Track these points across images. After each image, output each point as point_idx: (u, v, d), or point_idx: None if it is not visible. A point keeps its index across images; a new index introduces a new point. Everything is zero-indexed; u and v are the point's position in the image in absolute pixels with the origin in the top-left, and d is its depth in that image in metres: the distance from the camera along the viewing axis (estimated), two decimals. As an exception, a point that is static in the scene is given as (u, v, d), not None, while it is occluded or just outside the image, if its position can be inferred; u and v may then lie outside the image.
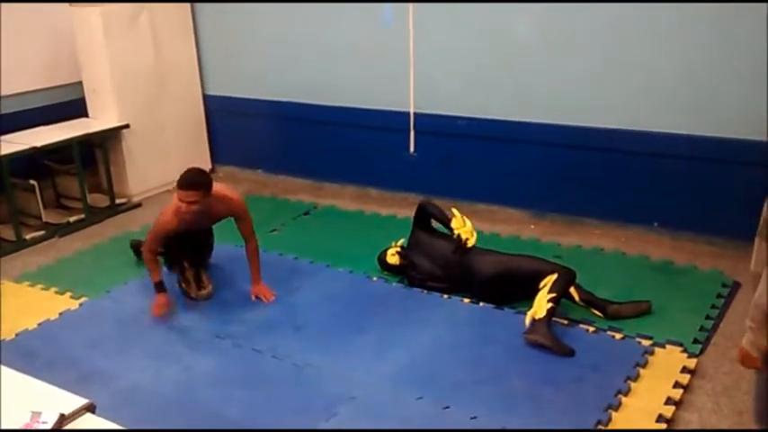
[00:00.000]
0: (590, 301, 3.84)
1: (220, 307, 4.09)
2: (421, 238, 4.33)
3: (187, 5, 6.19)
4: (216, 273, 4.57)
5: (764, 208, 2.08)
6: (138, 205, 5.89)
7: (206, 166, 6.60)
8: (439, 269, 4.18)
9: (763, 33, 4.09)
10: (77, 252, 4.98)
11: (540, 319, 3.56)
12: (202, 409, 3.17)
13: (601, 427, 2.95)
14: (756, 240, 2.11)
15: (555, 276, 3.71)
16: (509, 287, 3.96)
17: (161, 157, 6.09)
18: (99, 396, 2.38)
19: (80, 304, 4.19)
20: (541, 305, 3.61)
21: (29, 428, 1.67)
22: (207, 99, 6.51)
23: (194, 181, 3.88)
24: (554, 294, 3.64)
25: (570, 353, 3.47)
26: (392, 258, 4.35)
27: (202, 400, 3.24)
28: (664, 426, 2.95)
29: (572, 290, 3.84)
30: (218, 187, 4.06)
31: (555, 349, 3.47)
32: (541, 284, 3.70)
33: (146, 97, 5.91)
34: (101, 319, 4.01)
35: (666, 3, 4.33)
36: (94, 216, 5.55)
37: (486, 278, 3.99)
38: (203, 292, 4.17)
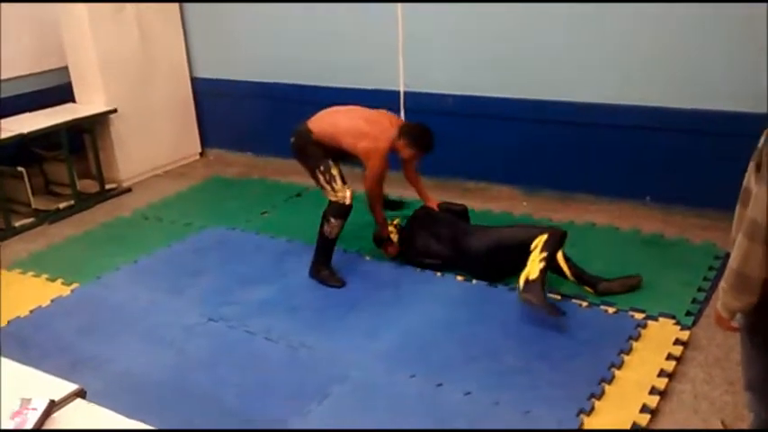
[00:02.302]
0: (581, 277, 3.84)
1: (213, 289, 4.09)
2: (420, 213, 4.32)
3: (172, -13, 6.13)
4: (207, 255, 4.56)
5: (746, 176, 2.10)
6: (129, 190, 5.86)
7: (196, 149, 6.58)
8: (435, 244, 4.17)
9: (742, 6, 4.07)
10: (68, 238, 4.96)
11: (533, 280, 3.55)
12: (196, 392, 3.18)
13: (594, 400, 2.96)
14: (737, 207, 2.13)
15: (545, 236, 3.70)
16: (505, 259, 3.95)
17: (150, 141, 6.05)
18: (92, 382, 2.38)
19: (72, 291, 4.18)
20: (534, 266, 3.61)
21: (20, 430, 1.66)
22: (195, 82, 6.46)
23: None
24: (545, 254, 3.63)
25: (560, 313, 3.49)
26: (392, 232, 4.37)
27: (196, 383, 3.24)
28: (657, 398, 2.97)
29: (564, 265, 3.84)
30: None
31: (546, 310, 3.48)
32: (532, 246, 3.70)
33: (133, 81, 5.86)
34: (93, 306, 4.00)
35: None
36: (84, 202, 5.52)
37: (479, 254, 3.99)
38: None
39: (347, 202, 4.04)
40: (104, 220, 5.26)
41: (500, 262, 3.98)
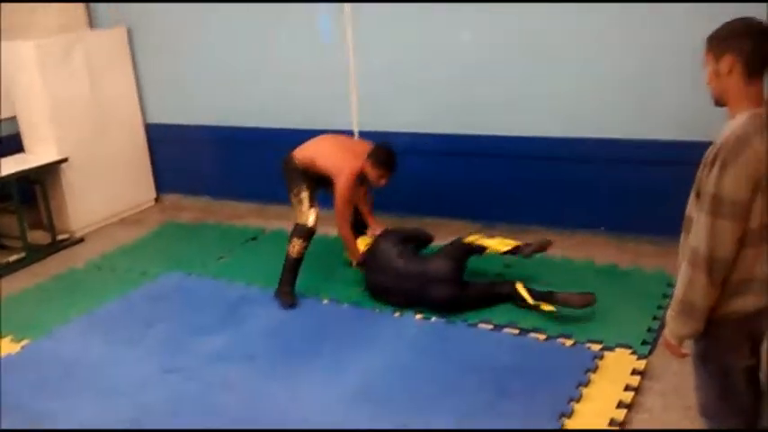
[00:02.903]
0: (541, 296, 3.90)
1: (170, 339, 4.01)
2: (377, 248, 4.34)
3: (123, 34, 6.10)
4: (163, 303, 4.48)
5: (688, 204, 2.15)
6: (81, 240, 5.75)
7: (151, 195, 6.51)
8: (391, 282, 4.16)
9: (693, 37, 4.18)
10: (18, 293, 4.83)
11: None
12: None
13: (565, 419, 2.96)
14: (682, 235, 2.18)
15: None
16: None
17: (103, 189, 5.97)
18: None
19: (22, 347, 4.06)
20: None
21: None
22: (149, 128, 6.42)
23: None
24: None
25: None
26: (361, 245, 4.47)
27: (153, 438, 3.16)
28: (616, 429, 2.97)
29: (524, 293, 3.90)
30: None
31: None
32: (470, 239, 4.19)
33: (85, 129, 5.80)
34: (44, 362, 3.88)
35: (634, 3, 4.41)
36: (36, 254, 5.40)
37: (445, 273, 4.02)
38: None
39: (309, 224, 4.30)
40: (56, 272, 5.15)
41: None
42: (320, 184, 4.41)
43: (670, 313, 2.15)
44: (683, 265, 2.08)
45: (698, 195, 2.07)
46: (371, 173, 4.29)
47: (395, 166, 4.33)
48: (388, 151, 4.32)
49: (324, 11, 5.34)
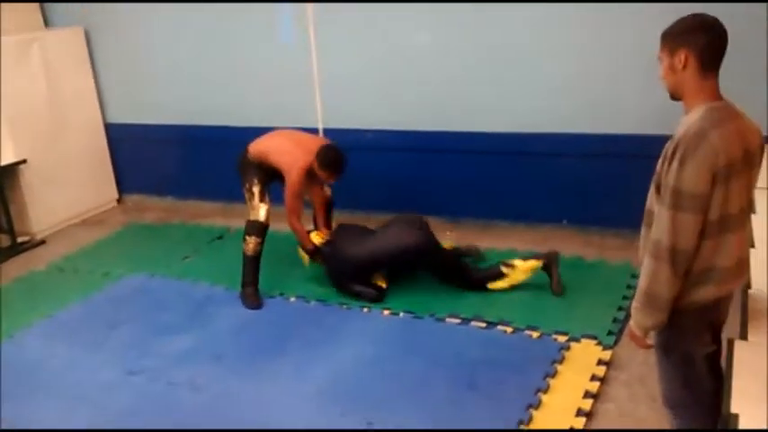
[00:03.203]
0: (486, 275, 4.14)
1: (134, 341, 3.95)
2: (341, 231, 4.47)
3: (81, 34, 6.00)
4: (127, 305, 4.42)
5: (648, 197, 2.18)
6: (43, 242, 5.64)
7: (113, 195, 6.42)
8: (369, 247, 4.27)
9: (651, 36, 4.23)
10: (-22, 297, 4.73)
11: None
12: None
13: (522, 426, 2.98)
14: (642, 228, 2.20)
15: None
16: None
17: (64, 190, 5.87)
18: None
19: (-18, 352, 3.97)
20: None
21: None
22: (109, 128, 6.32)
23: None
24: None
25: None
26: (315, 238, 4.44)
27: (117, 441, 3.11)
28: (584, 420, 3.00)
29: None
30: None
31: None
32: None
33: (43, 130, 5.69)
34: (5, 367, 3.79)
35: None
36: (-5, 257, 5.29)
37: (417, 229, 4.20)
38: None
39: (260, 219, 4.29)
40: (17, 274, 5.04)
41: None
42: (274, 177, 4.37)
43: (634, 305, 2.18)
44: (646, 258, 2.10)
45: (658, 189, 2.09)
46: (320, 173, 4.25)
47: (341, 168, 4.25)
48: (335, 153, 4.25)
49: (285, 11, 5.30)
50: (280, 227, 4.46)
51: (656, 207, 2.08)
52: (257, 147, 4.41)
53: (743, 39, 4.35)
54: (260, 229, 4.28)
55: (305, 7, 5.17)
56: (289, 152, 4.30)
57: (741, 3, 4.23)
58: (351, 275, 4.23)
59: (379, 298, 4.15)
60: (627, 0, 4.30)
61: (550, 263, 4.13)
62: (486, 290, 4.13)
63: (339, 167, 4.24)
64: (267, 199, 4.35)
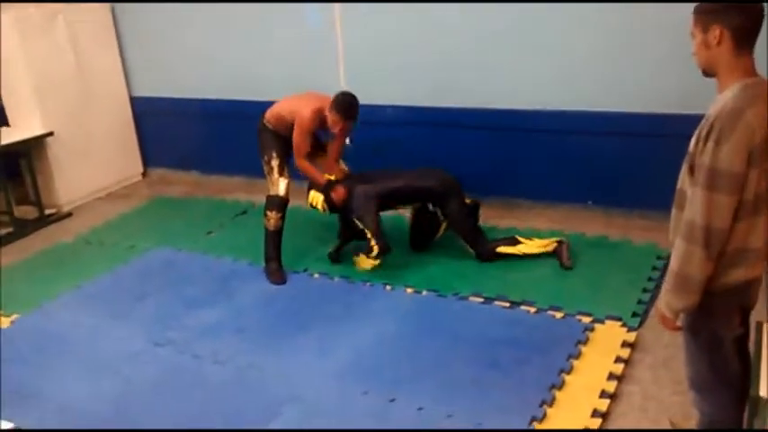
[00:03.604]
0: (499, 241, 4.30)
1: (159, 313, 3.99)
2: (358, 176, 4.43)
3: (107, 7, 6.01)
4: (152, 278, 4.46)
5: (679, 178, 2.14)
6: (69, 214, 5.70)
7: (138, 169, 6.47)
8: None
9: (675, 11, 4.16)
10: (6, 268, 4.78)
11: None
12: (141, 423, 3.07)
13: (546, 407, 2.97)
14: (673, 210, 2.17)
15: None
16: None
17: (90, 163, 5.92)
18: (32, 416, 2.28)
19: (12, 322, 4.03)
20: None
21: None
22: (134, 101, 6.35)
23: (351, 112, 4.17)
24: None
25: None
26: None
27: (141, 413, 3.15)
28: (607, 401, 2.99)
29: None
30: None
31: None
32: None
33: (70, 103, 5.73)
34: (33, 336, 3.86)
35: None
36: (23, 229, 5.35)
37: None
38: None
39: (280, 194, 4.28)
40: (44, 246, 5.11)
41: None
42: (291, 148, 4.31)
43: (665, 287, 2.15)
44: (678, 239, 2.07)
45: (691, 170, 2.06)
46: (329, 116, 4.15)
47: (352, 113, 4.16)
48: (350, 97, 4.18)
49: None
50: (303, 202, 4.45)
51: (690, 188, 2.05)
52: (272, 111, 4.38)
53: (678, 41, 4.28)
54: (280, 203, 4.28)
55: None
56: (301, 102, 4.27)
57: (740, 3, 4.14)
58: (372, 203, 4.21)
59: (387, 249, 4.16)
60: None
61: (561, 248, 4.19)
62: (496, 254, 4.26)
63: (351, 111, 4.16)
64: (286, 173, 4.33)
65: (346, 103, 4.15)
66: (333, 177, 4.33)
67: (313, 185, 4.34)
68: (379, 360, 3.42)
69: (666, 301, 2.15)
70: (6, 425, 1.82)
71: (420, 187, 4.33)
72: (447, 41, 4.94)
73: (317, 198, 4.32)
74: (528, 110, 4.82)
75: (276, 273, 4.26)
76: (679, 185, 2.15)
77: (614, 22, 4.43)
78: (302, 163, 4.27)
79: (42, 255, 4.98)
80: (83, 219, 5.60)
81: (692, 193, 2.03)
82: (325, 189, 4.28)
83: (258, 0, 5.42)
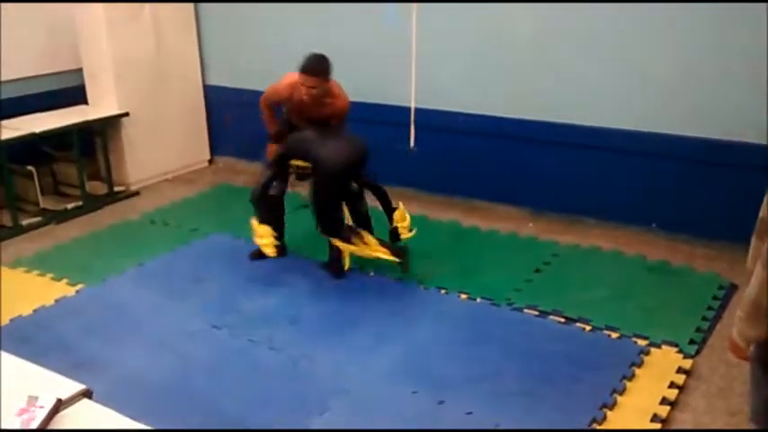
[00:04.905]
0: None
1: (217, 296, 4.09)
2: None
3: (190, -5, 6.19)
4: (212, 261, 4.56)
5: (762, 207, 2.10)
6: (137, 193, 5.87)
7: (205, 156, 6.61)
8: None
9: (760, 37, 4.09)
10: (74, 239, 4.97)
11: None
12: (198, 399, 3.17)
13: (596, 425, 2.95)
14: (753, 239, 2.13)
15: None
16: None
17: (160, 146, 6.08)
18: (94, 383, 2.34)
19: (76, 291, 4.18)
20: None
21: (26, 430, 1.66)
22: (207, 89, 6.50)
23: (318, 68, 4.02)
24: None
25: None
26: None
27: (198, 390, 3.24)
28: (659, 425, 2.96)
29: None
30: (333, 83, 4.20)
31: None
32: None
33: (146, 86, 5.89)
34: (97, 307, 4.00)
35: (667, 2, 4.33)
36: (92, 203, 5.54)
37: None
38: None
39: None
40: (112, 222, 5.28)
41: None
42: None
43: (739, 314, 2.09)
44: (758, 267, 2.02)
45: None
46: (299, 78, 4.08)
47: (303, 66, 4.03)
48: (312, 55, 4.07)
49: None
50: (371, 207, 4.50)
51: None
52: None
53: (742, 42, 4.20)
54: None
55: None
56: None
57: (741, 3, 4.04)
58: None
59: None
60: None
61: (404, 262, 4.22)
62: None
63: (303, 63, 4.03)
64: None
65: (307, 58, 4.06)
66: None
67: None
68: (429, 362, 3.44)
69: (740, 328, 2.10)
70: (77, 386, 1.90)
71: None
72: (523, 54, 4.94)
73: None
74: (598, 127, 4.78)
75: (337, 269, 4.31)
76: (761, 214, 2.10)
77: (696, 43, 4.37)
78: (264, 108, 4.52)
79: (109, 230, 5.14)
80: (149, 199, 5.76)
81: None
82: (276, 140, 4.44)
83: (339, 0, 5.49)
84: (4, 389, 1.83)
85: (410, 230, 4.29)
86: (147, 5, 5.78)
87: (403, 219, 4.30)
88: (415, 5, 5.18)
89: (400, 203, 4.35)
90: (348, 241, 4.18)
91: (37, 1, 5.67)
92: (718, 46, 4.30)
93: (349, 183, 4.31)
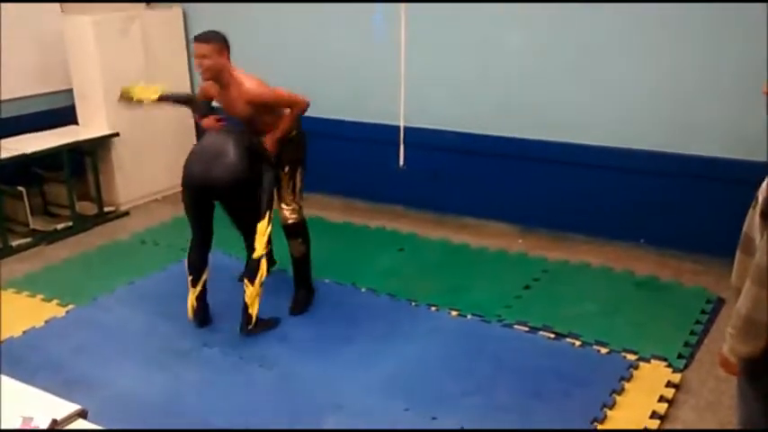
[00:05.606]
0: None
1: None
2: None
3: (179, 14, 6.22)
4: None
5: (745, 222, 2.13)
6: (126, 213, 5.88)
7: (195, 175, 6.60)
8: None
9: (745, 56, 4.16)
10: (64, 260, 4.96)
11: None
12: (189, 417, 3.17)
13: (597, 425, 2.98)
14: (737, 253, 2.16)
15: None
16: None
17: (150, 166, 6.09)
18: (85, 403, 2.35)
19: (67, 312, 4.17)
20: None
21: (27, 428, 1.67)
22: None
23: (210, 35, 4.00)
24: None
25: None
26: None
27: (190, 409, 3.24)
28: (648, 439, 2.99)
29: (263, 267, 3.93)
30: (239, 72, 4.19)
31: None
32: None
33: (137, 106, 5.89)
34: (87, 327, 3.99)
35: (662, 2, 4.39)
36: (82, 224, 5.53)
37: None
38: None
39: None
40: (102, 242, 5.27)
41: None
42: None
43: (730, 330, 2.10)
44: (748, 283, 2.02)
45: (763, 215, 2.03)
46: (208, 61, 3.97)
47: (197, 36, 3.99)
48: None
49: (379, 10, 5.37)
50: (355, 219, 4.53)
51: (759, 232, 2.02)
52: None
53: (728, 59, 4.27)
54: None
55: (398, 7, 5.23)
56: None
57: (741, 3, 4.11)
58: None
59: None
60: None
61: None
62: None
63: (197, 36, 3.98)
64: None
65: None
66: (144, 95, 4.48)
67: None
68: (421, 378, 3.45)
69: (731, 345, 2.11)
70: (72, 407, 1.91)
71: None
72: (512, 73, 5.00)
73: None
74: (586, 144, 4.83)
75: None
76: (745, 229, 2.13)
77: (680, 59, 4.43)
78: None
79: (99, 250, 5.14)
80: (139, 219, 5.77)
81: (765, 238, 2.01)
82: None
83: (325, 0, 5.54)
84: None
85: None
86: (137, 22, 5.81)
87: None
88: (402, 20, 5.23)
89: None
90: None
91: (37, 1, 5.71)
92: (705, 64, 4.37)
93: (204, 210, 4.16)
